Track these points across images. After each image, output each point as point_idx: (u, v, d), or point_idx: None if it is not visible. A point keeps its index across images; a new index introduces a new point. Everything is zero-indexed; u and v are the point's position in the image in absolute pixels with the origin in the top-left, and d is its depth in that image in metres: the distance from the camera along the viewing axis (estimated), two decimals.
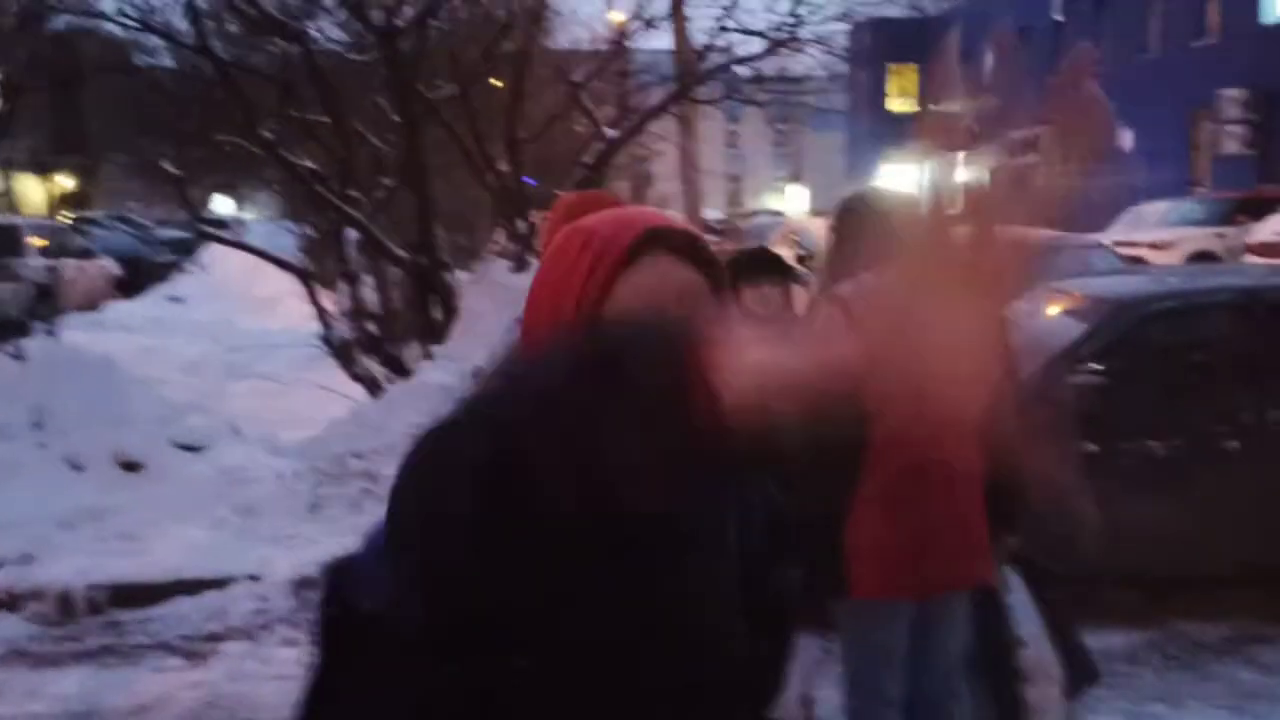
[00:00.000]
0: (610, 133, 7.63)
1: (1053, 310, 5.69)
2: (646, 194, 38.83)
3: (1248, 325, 5.14)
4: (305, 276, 8.33)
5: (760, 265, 3.91)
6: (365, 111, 9.21)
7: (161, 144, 10.29)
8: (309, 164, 8.55)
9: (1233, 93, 22.71)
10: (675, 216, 1.22)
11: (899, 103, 39.90)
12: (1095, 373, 5.03)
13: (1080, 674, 3.26)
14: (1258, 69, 22.25)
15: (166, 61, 11.01)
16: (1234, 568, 5.08)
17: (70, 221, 24.25)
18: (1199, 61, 24.05)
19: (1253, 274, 6.91)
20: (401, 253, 7.31)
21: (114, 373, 6.66)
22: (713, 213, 17.15)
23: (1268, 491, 4.94)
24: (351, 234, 8.30)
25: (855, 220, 2.95)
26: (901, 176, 37.31)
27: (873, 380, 2.99)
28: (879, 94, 40.31)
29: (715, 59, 8.40)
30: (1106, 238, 18.04)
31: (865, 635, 3.04)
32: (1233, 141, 22.88)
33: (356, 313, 8.10)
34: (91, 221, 24.24)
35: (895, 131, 38.59)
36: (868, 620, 3.03)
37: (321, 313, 8.01)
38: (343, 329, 7.94)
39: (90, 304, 16.92)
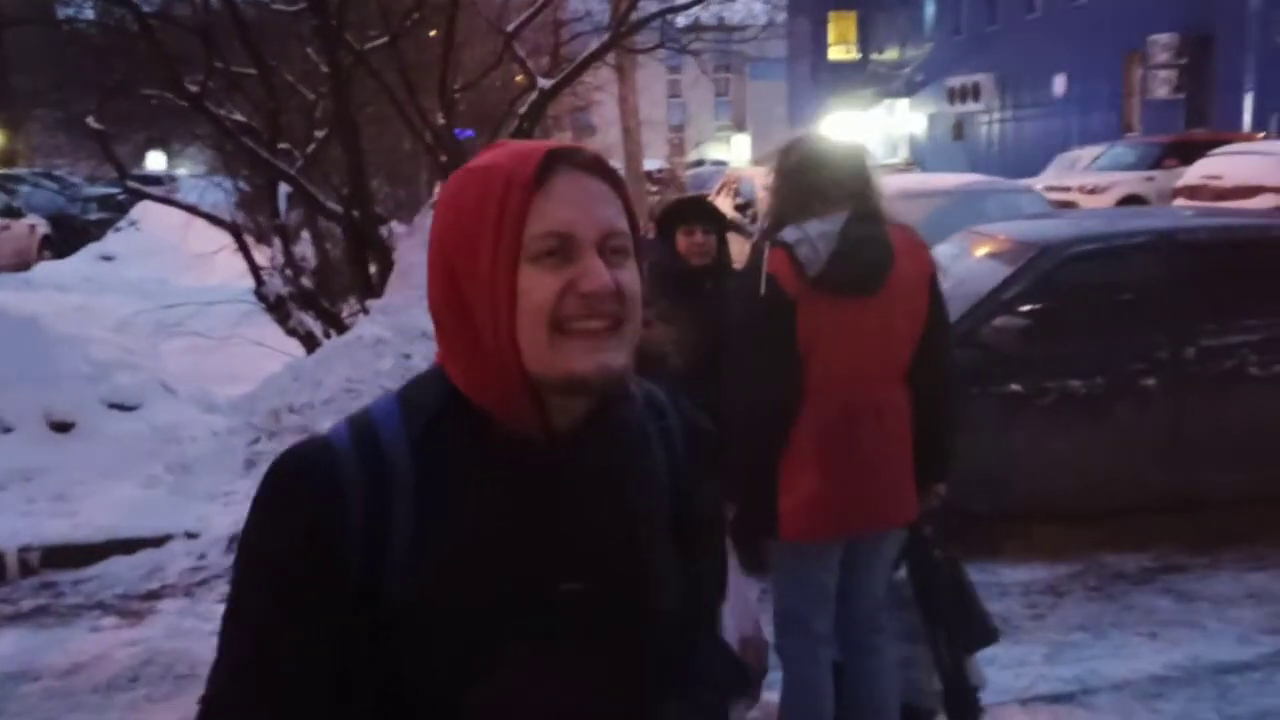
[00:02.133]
0: (544, 83, 7.56)
1: (978, 254, 5.79)
2: (588, 144, 38.60)
3: (1164, 266, 5.27)
4: (238, 232, 8.21)
5: (694, 212, 3.95)
6: (295, 63, 9.06)
7: (85, 99, 10.01)
8: (238, 117, 8.41)
9: (1163, 37, 22.97)
10: (573, 143, 1.23)
11: (839, 50, 39.88)
12: (1020, 314, 5.14)
13: (977, 633, 3.38)
14: (1188, 13, 22.52)
15: (88, 13, 10.73)
16: (1153, 500, 5.26)
17: None
18: (1131, 6, 24.26)
19: (1171, 217, 7.04)
20: (335, 206, 7.22)
21: (40, 332, 6.54)
22: (653, 162, 17.08)
23: (1183, 426, 5.11)
24: (285, 188, 8.19)
25: (795, 166, 2.97)
26: (843, 124, 37.45)
27: (806, 327, 3.05)
28: (820, 41, 40.24)
29: (649, 7, 8.36)
30: (1039, 182, 18.31)
31: (796, 575, 3.12)
32: (1163, 86, 23.17)
33: (291, 268, 8.01)
34: (18, 179, 23.59)
35: (836, 79, 38.64)
36: (798, 561, 3.10)
37: (255, 268, 7.92)
38: (277, 284, 7.85)
39: (20, 264, 16.54)
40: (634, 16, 8.09)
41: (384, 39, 7.74)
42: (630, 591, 1.14)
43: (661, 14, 8.33)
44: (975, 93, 31.24)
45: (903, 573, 3.28)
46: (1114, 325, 5.23)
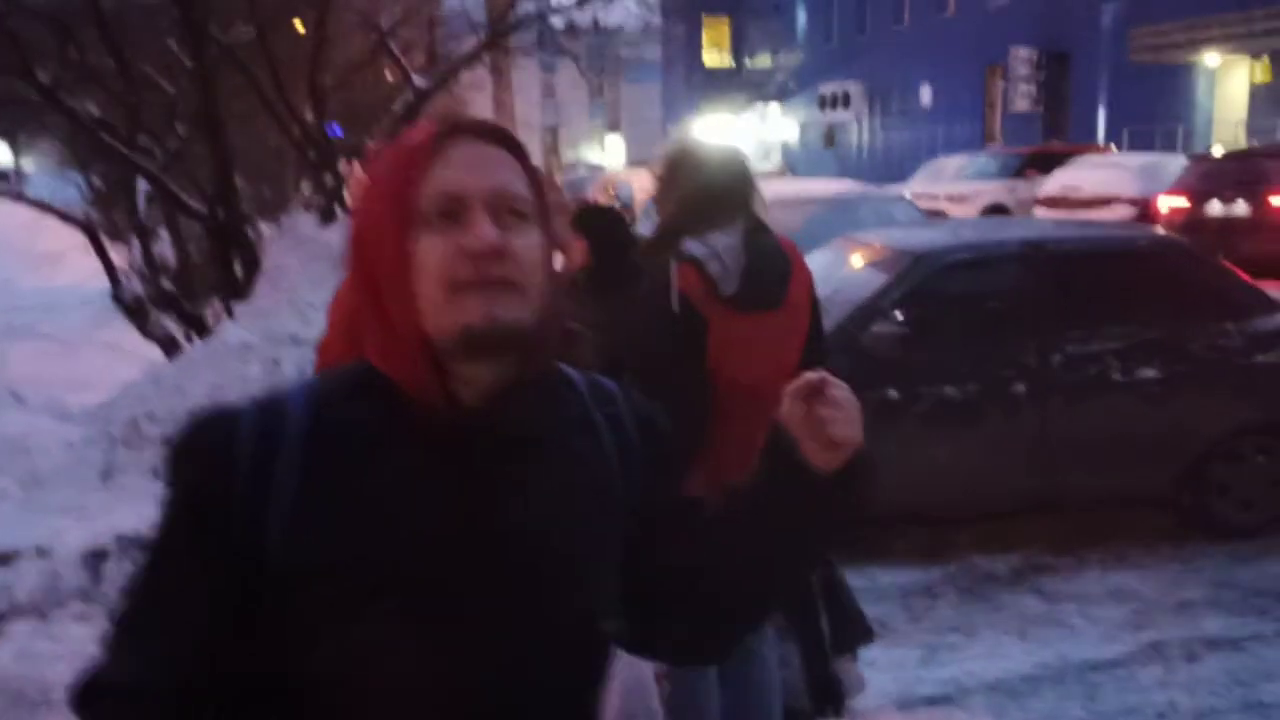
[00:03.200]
0: (420, 81, 7.41)
1: (856, 261, 5.88)
2: None
3: (1033, 275, 5.43)
4: (92, 231, 7.81)
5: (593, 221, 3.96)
6: (157, 55, 8.68)
7: None
8: (94, 110, 8.00)
9: (1023, 52, 23.88)
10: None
11: (713, 55, 40.33)
12: (896, 321, 5.23)
13: (853, 633, 3.41)
14: (1047, 29, 23.45)
15: None
16: (1022, 503, 5.41)
17: None
18: (994, 20, 25.14)
19: (1038, 227, 7.28)
20: (198, 205, 6.93)
21: None
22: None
23: (1049, 430, 5.26)
24: (144, 185, 7.83)
25: (687, 174, 2.93)
26: (717, 128, 37.88)
27: (715, 343, 2.98)
28: (694, 46, 40.62)
29: (526, 8, 8.28)
30: (907, 189, 18.83)
31: None
32: (1023, 99, 24.08)
33: (150, 268, 7.66)
34: None
35: (710, 83, 39.06)
36: None
37: (111, 269, 7.54)
38: (135, 285, 7.50)
39: None
40: (512, 18, 8.00)
41: (251, 32, 7.47)
42: (529, 577, 1.13)
43: (540, 16, 8.26)
44: (845, 100, 31.98)
45: None
46: (986, 332, 5.36)
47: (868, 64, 30.67)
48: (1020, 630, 4.66)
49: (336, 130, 11.08)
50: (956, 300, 5.42)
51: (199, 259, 8.02)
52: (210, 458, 1.10)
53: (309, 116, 7.52)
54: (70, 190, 10.60)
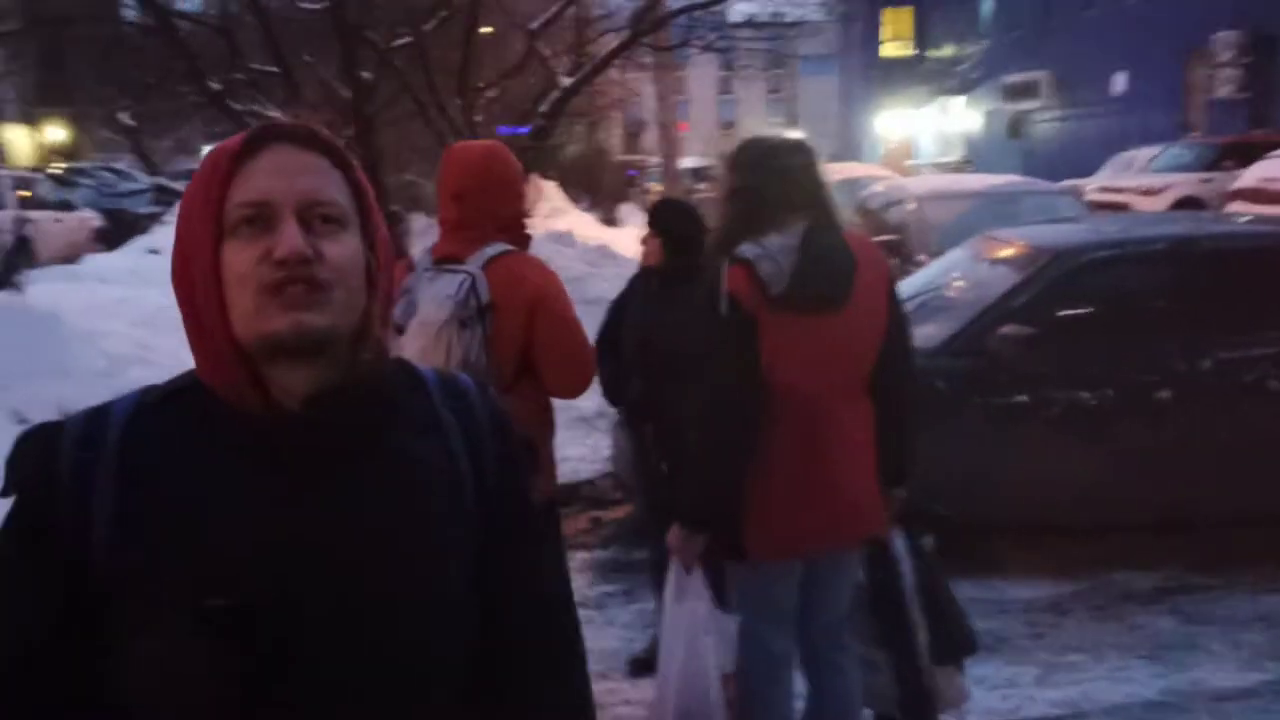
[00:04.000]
0: (565, 81, 7.53)
1: (991, 259, 5.65)
2: (639, 141, 38.52)
3: (1182, 274, 5.09)
4: None
5: (652, 215, 3.98)
6: (331, 60, 9.09)
7: (125, 95, 10.18)
8: (273, 114, 8.45)
9: (1227, 35, 22.37)
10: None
11: (894, 46, 39.38)
12: (1028, 322, 5.00)
13: (955, 643, 3.27)
14: (1253, 10, 21.91)
15: (132, 13, 10.85)
16: (1164, 516, 5.08)
17: (58, 172, 24.15)
18: (1194, 3, 23.66)
19: (1193, 223, 6.82)
20: None
21: (60, 327, 6.63)
22: (688, 160, 16.95)
23: (1198, 441, 4.93)
24: None
25: (749, 173, 2.87)
26: (895, 121, 36.98)
27: (769, 345, 2.95)
28: (873, 37, 39.77)
29: (675, 4, 8.29)
30: (1093, 182, 17.93)
31: (755, 595, 3.04)
32: (1226, 85, 22.58)
33: None
34: (81, 172, 24.12)
35: (890, 75, 38.17)
36: (758, 580, 3.02)
37: None
38: None
39: (71, 256, 16.84)
40: (657, 15, 8.03)
41: (409, 39, 7.74)
42: (346, 587, 1.09)
43: (680, 12, 8.25)
44: (1032, 90, 30.66)
45: (861, 576, 3.19)
46: (1128, 335, 5.06)
47: (1056, 52, 29.32)
48: (1151, 653, 4.39)
49: (506, 130, 11.37)
50: (1096, 300, 5.14)
51: None
52: (34, 471, 1.10)
53: (458, 117, 7.73)
54: None
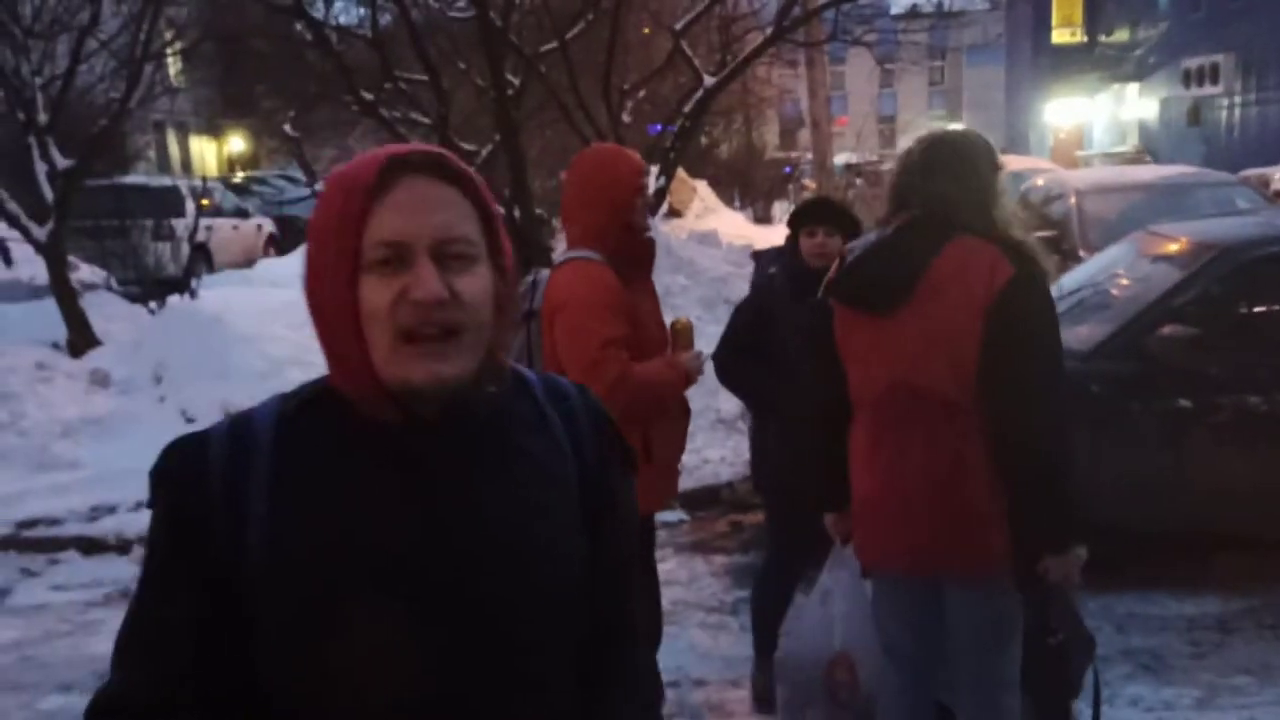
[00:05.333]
0: (708, 80, 7.49)
1: (1151, 256, 5.34)
2: (796, 137, 38.17)
3: None
4: None
5: (817, 213, 3.80)
6: (477, 69, 9.30)
7: (290, 107, 10.65)
8: (426, 121, 8.71)
9: None
10: (422, 145, 1.23)
11: (1064, 33, 37.82)
12: (1191, 322, 4.70)
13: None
14: None
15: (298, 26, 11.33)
16: None
17: (236, 182, 25.44)
18: None
19: None
20: (498, 208, 7.37)
21: (224, 330, 6.97)
22: (844, 156, 16.67)
23: None
24: None
25: (896, 168, 2.74)
26: (1066, 112, 35.56)
27: (838, 338, 2.83)
28: (1043, 23, 38.31)
29: None
30: (1278, 172, 16.83)
31: (873, 606, 2.95)
32: None
33: None
34: (257, 180, 25.35)
35: (1059, 63, 36.71)
36: (874, 591, 2.93)
37: None
38: None
39: (247, 261, 17.71)
40: (803, 10, 7.91)
41: (555, 44, 7.85)
42: (493, 571, 1.16)
43: (825, 7, 8.10)
44: (1214, 75, 28.99)
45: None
46: None
47: (1242, 32, 27.64)
48: None
49: (656, 129, 11.39)
50: (1265, 299, 4.80)
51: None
52: (183, 482, 1.14)
53: (623, 117, 7.77)
54: None
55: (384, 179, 1.12)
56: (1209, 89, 29.52)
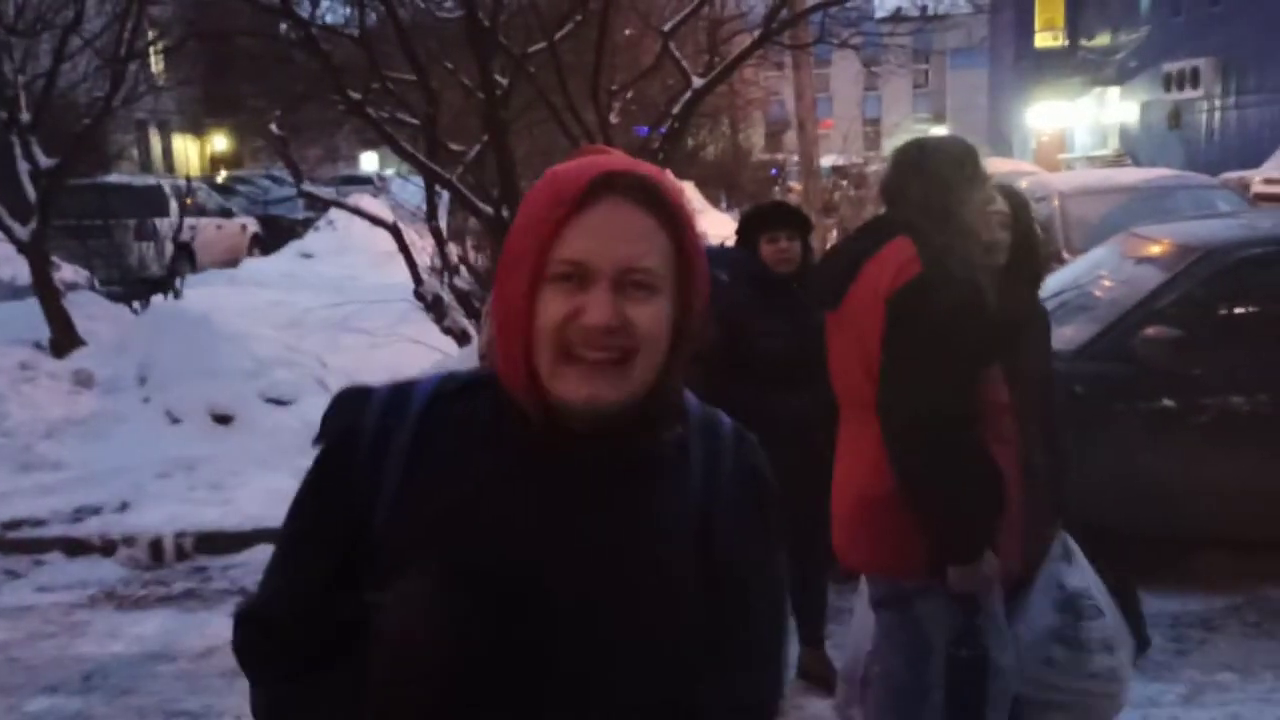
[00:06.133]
0: (696, 81, 7.51)
1: (1135, 257, 5.39)
2: (782, 139, 38.23)
3: None
4: (397, 232, 8.50)
5: (777, 219, 3.81)
6: (472, 68, 9.29)
7: (276, 106, 10.60)
8: (413, 121, 8.70)
9: None
10: (639, 163, 1.22)
11: (1046, 36, 38.02)
12: (1175, 324, 4.74)
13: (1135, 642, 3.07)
14: None
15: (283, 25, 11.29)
16: None
17: (220, 181, 25.35)
18: None
19: None
20: (487, 207, 7.38)
21: (211, 330, 6.95)
22: (830, 158, 16.71)
23: None
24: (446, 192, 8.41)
25: (905, 176, 2.67)
26: (1048, 115, 35.73)
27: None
28: (1025, 27, 38.49)
29: (806, 1, 8.19)
30: (1259, 174, 16.96)
31: None
32: None
33: (445, 268, 8.24)
34: (244, 180, 25.29)
35: (1042, 66, 36.89)
36: None
37: (414, 268, 8.18)
38: (434, 284, 8.09)
39: (230, 260, 17.67)
40: (791, 13, 7.93)
41: (543, 44, 7.84)
42: (591, 592, 1.15)
43: (813, 10, 8.13)
44: (1194, 79, 29.19)
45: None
46: None
47: (1222, 37, 27.83)
48: None
49: (644, 131, 11.40)
50: (1248, 300, 4.85)
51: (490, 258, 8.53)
52: (341, 429, 1.21)
53: (610, 118, 7.76)
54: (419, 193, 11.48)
55: (584, 197, 1.13)
56: (1189, 93, 29.72)
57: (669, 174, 1.21)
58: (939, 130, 48.63)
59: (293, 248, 17.98)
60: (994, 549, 2.52)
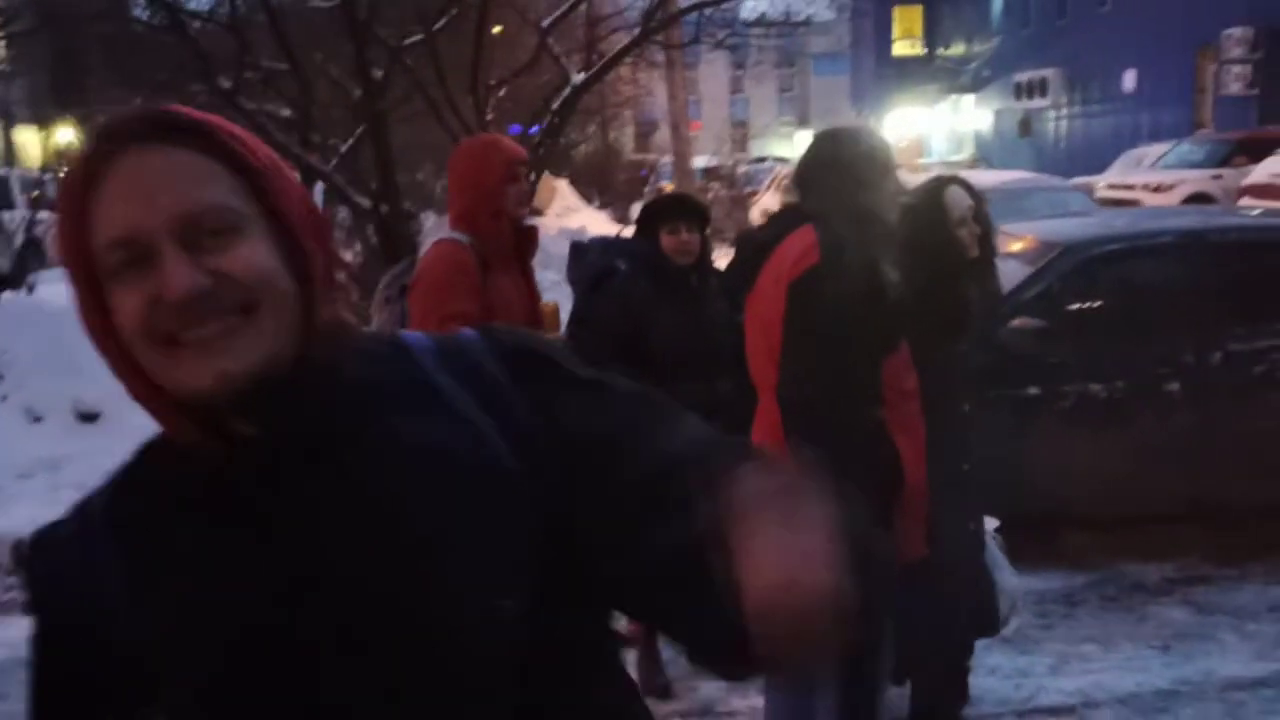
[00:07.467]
0: (576, 79, 7.55)
1: (1001, 253, 5.65)
2: (651, 140, 38.54)
3: (1191, 267, 5.10)
4: None
5: (677, 211, 3.88)
6: (342, 58, 9.13)
7: (136, 95, 10.23)
8: (285, 113, 8.51)
9: (1237, 31, 22.31)
10: (148, 107, 0.98)
11: (904, 45, 39.31)
12: (1038, 315, 5.00)
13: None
14: (1264, 5, 21.84)
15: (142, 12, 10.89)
16: (1175, 507, 5.08)
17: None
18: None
19: (1200, 216, 6.81)
20: (364, 201, 7.28)
21: (73, 325, 6.66)
22: (702, 159, 16.99)
23: (1208, 432, 4.93)
24: (321, 184, 8.25)
25: (819, 167, 2.79)
26: (907, 120, 36.92)
27: None
28: (884, 36, 39.72)
29: (683, 1, 8.32)
30: (1103, 179, 17.89)
31: None
32: (1236, 81, 22.52)
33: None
34: None
35: (901, 74, 38.11)
36: None
37: None
38: None
39: None
40: (667, 12, 8.05)
41: (420, 36, 7.77)
42: (361, 615, 0.92)
43: (692, 9, 8.27)
44: (1043, 88, 30.62)
45: None
46: (1137, 328, 5.06)
47: (1067, 49, 29.27)
48: (1163, 643, 4.39)
49: (516, 129, 11.38)
50: (1105, 294, 5.14)
51: (368, 254, 8.40)
52: (44, 583, 1.01)
53: (471, 115, 7.75)
54: None
55: (96, 165, 0.90)
56: (1038, 101, 31.14)
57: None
58: (804, 134, 49.82)
59: None
60: (890, 532, 2.61)
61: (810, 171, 2.74)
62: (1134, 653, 4.33)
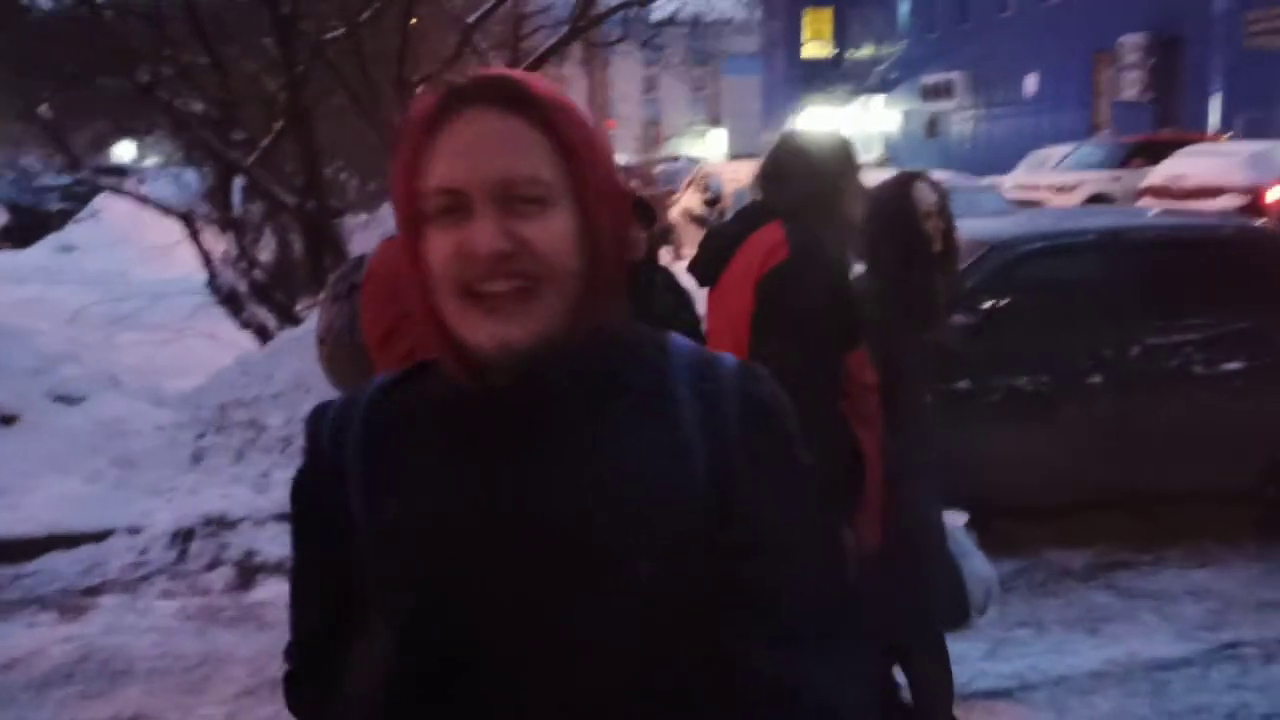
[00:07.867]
0: None
1: None
2: None
3: (1110, 265, 5.29)
4: (190, 223, 8.13)
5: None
6: (258, 53, 8.95)
7: (42, 88, 9.89)
8: (198, 107, 8.31)
9: (1132, 38, 23.11)
10: (501, 70, 1.10)
11: (814, 46, 39.86)
12: (968, 312, 5.14)
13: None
14: (1158, 13, 22.66)
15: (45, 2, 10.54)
16: (1098, 495, 5.27)
17: None
18: (1102, 6, 24.40)
19: (1119, 216, 7.07)
20: (288, 198, 7.16)
21: None
22: (621, 158, 17.09)
23: (1128, 423, 5.12)
24: (241, 180, 8.10)
25: (788, 165, 2.82)
26: (818, 120, 37.46)
27: None
28: (794, 37, 40.24)
29: (610, 1, 8.33)
30: (1009, 180, 18.38)
31: None
32: (1132, 87, 23.32)
33: (245, 260, 7.94)
34: None
35: (811, 75, 38.65)
36: None
37: (208, 260, 7.84)
38: (230, 277, 7.78)
39: None
40: (595, 11, 8.06)
41: (343, 30, 7.67)
42: (551, 561, 1.01)
43: (621, 8, 8.30)
44: (948, 90, 31.35)
45: None
46: (1061, 323, 5.24)
47: (971, 53, 30.02)
48: (1091, 627, 4.56)
49: None
50: (1030, 291, 5.29)
51: (295, 251, 8.27)
52: (309, 445, 1.14)
53: (396, 112, 7.68)
54: (190, 184, 10.95)
55: (438, 118, 0.99)
56: (944, 103, 31.87)
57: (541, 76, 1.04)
58: (718, 132, 50.18)
59: (51, 241, 16.79)
60: (850, 524, 2.68)
61: (779, 169, 2.79)
62: (1065, 636, 4.49)
